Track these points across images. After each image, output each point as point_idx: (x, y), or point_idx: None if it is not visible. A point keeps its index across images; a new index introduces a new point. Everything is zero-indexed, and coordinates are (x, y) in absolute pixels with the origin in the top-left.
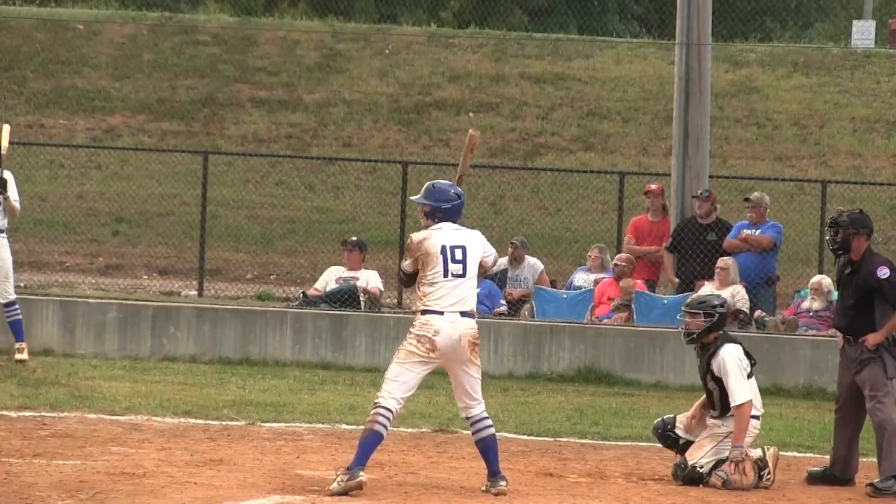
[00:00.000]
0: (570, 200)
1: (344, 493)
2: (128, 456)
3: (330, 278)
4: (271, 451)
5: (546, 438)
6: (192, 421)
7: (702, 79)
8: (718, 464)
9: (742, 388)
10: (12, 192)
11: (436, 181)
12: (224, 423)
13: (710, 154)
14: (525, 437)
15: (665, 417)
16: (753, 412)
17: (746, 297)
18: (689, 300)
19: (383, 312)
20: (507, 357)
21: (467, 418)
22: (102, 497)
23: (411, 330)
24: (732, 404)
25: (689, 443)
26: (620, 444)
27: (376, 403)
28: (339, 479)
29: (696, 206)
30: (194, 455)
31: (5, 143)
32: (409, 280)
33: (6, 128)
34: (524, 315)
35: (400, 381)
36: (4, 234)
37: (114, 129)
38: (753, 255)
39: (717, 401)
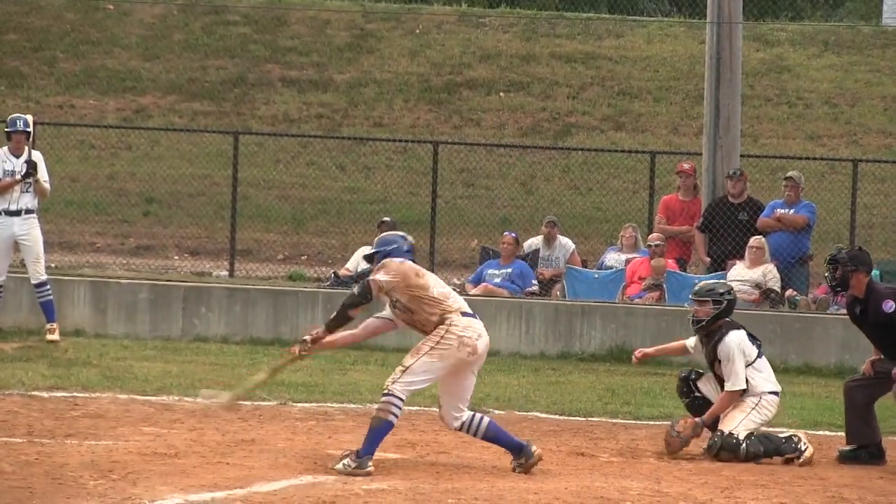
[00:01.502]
0: (600, 180)
1: (348, 476)
2: (160, 436)
3: (361, 258)
4: (303, 432)
5: (578, 418)
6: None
7: (733, 58)
8: (751, 434)
9: (740, 376)
10: (42, 173)
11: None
12: (255, 403)
13: (741, 133)
14: (557, 416)
15: (697, 369)
16: (772, 388)
17: (778, 276)
18: (696, 288)
19: None
20: (538, 337)
21: (460, 427)
22: (134, 477)
23: (452, 330)
24: (726, 386)
25: (699, 401)
26: (652, 423)
27: (391, 392)
28: (346, 461)
29: (727, 185)
30: (226, 435)
31: (31, 129)
32: (346, 315)
33: (29, 116)
34: (556, 295)
35: (423, 378)
36: (35, 215)
37: (144, 110)
38: (787, 234)
39: None
